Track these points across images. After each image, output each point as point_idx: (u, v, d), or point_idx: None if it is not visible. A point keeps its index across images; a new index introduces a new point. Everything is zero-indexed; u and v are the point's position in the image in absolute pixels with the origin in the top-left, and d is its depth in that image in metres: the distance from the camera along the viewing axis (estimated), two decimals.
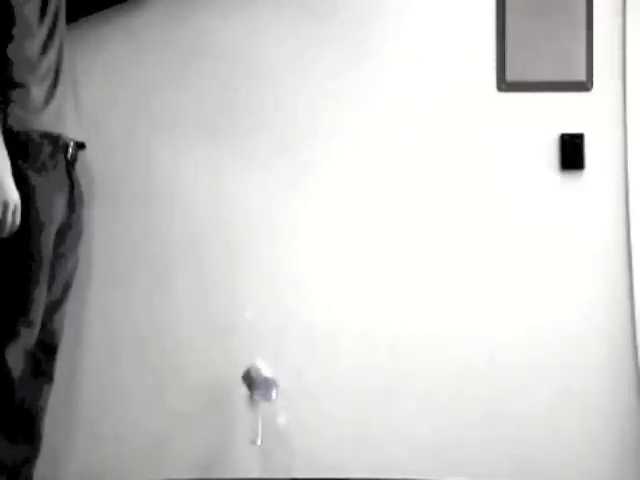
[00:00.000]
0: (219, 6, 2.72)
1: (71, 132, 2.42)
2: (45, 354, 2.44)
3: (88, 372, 2.71)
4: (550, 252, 2.71)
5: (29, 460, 2.42)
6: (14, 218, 2.18)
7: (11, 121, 2.24)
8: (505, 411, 2.69)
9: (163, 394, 2.70)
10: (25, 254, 2.28)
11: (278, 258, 2.72)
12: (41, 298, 2.32)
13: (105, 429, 2.70)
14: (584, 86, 2.71)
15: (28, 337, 2.31)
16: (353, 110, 2.72)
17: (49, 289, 2.37)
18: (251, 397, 2.64)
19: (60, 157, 2.38)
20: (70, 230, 2.45)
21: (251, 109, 2.72)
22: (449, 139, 2.72)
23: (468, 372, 2.69)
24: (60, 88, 2.38)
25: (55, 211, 2.34)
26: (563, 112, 2.71)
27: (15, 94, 2.26)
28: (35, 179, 2.28)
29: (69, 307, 2.52)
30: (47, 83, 2.35)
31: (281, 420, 2.58)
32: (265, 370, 2.66)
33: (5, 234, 2.19)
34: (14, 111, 2.26)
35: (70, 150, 2.42)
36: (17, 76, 2.27)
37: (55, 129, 2.35)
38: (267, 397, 2.63)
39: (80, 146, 2.49)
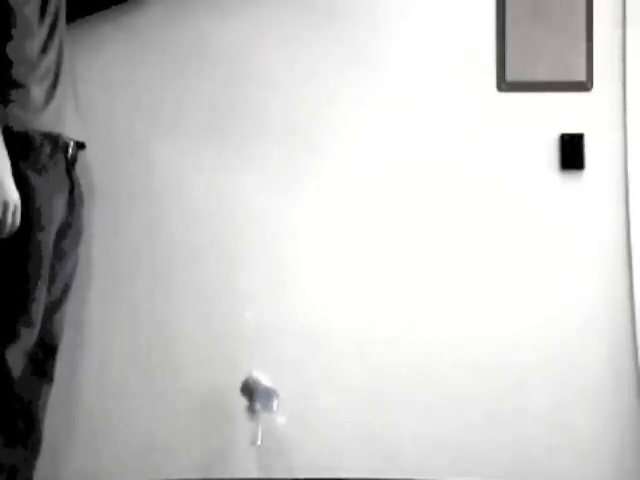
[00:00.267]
0: (219, 6, 2.72)
1: (71, 132, 2.42)
2: (45, 354, 2.44)
3: (88, 372, 2.71)
4: (550, 252, 2.71)
5: (29, 460, 2.42)
6: (14, 218, 2.18)
7: (11, 121, 2.24)
8: (505, 411, 2.69)
9: (163, 394, 2.70)
10: (25, 254, 2.27)
11: (279, 258, 2.72)
12: (41, 298, 2.32)
13: (105, 429, 2.70)
14: (584, 86, 2.71)
15: (28, 337, 2.31)
16: (353, 110, 2.72)
17: (49, 289, 2.37)
18: (251, 408, 2.62)
19: (60, 157, 2.38)
20: (70, 230, 2.44)
21: (251, 109, 2.72)
22: (449, 139, 2.72)
23: (468, 372, 2.69)
24: (60, 88, 2.38)
25: (55, 211, 2.34)
26: (563, 112, 2.71)
27: (15, 94, 2.26)
28: (35, 179, 2.28)
29: (69, 307, 2.52)
30: (47, 83, 2.35)
31: (281, 420, 2.58)
32: (264, 380, 2.64)
33: (5, 234, 2.19)
34: (14, 111, 2.25)
35: (70, 150, 2.42)
36: (17, 76, 2.27)
37: (55, 129, 2.35)
38: (268, 407, 2.61)
39: (80, 146, 2.49)
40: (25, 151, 2.27)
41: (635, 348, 2.68)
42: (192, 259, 2.72)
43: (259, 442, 2.59)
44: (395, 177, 2.72)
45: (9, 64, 2.26)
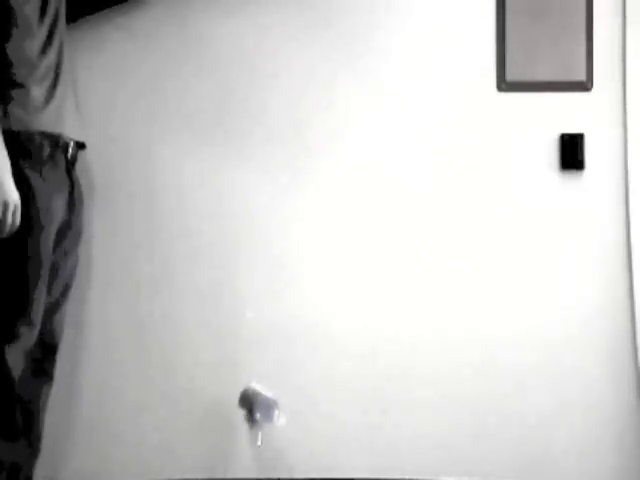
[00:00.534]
0: (219, 6, 2.72)
1: (71, 132, 2.42)
2: (45, 354, 2.44)
3: (88, 372, 2.71)
4: (550, 252, 2.71)
5: (29, 460, 2.42)
6: (14, 218, 2.18)
7: (11, 121, 2.24)
8: (505, 411, 2.69)
9: (163, 393, 2.70)
10: (25, 254, 2.28)
11: (279, 259, 2.72)
12: (41, 298, 2.32)
13: (105, 429, 2.70)
14: (584, 86, 2.71)
15: (28, 337, 2.31)
16: (353, 110, 2.72)
17: (49, 289, 2.37)
18: (251, 419, 2.59)
19: (60, 157, 2.38)
20: (70, 230, 2.45)
21: (251, 109, 2.72)
22: (449, 139, 2.72)
23: (468, 372, 2.69)
24: (60, 88, 2.38)
25: (55, 211, 2.34)
26: (563, 112, 2.71)
27: (15, 94, 2.27)
28: (35, 179, 2.28)
29: (69, 307, 2.52)
30: (47, 83, 2.35)
31: (281, 420, 2.58)
32: (264, 390, 2.61)
33: (5, 234, 2.19)
34: (14, 111, 2.26)
35: (70, 150, 2.42)
36: (17, 76, 2.27)
37: (55, 129, 2.35)
38: (269, 418, 2.58)
39: (80, 146, 2.50)
40: (25, 151, 2.27)
41: (635, 348, 2.68)
42: (192, 259, 2.72)
43: (259, 442, 2.59)
44: (395, 177, 2.72)
45: (9, 64, 2.26)
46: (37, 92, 2.30)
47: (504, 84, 2.72)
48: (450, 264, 2.71)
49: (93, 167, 2.69)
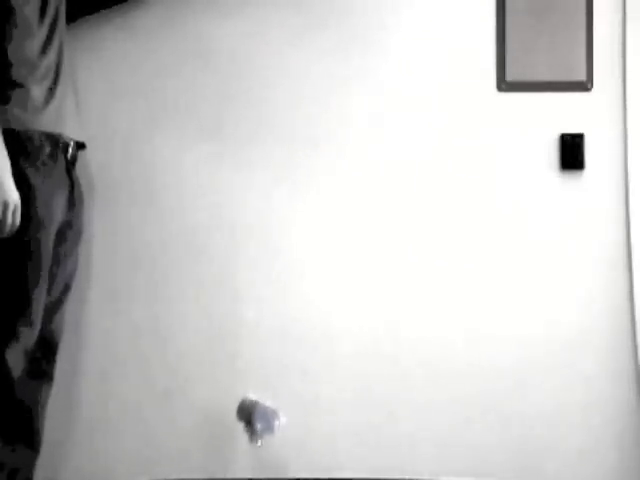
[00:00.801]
0: (219, 6, 2.72)
1: (71, 132, 2.42)
2: (45, 354, 2.44)
3: (88, 372, 2.71)
4: (550, 252, 2.71)
5: (29, 460, 2.42)
6: (14, 218, 2.18)
7: (11, 121, 2.24)
8: (505, 411, 2.69)
9: (163, 394, 2.70)
10: (25, 254, 2.27)
11: (279, 259, 2.72)
12: (41, 298, 2.32)
13: (105, 429, 2.70)
14: (584, 86, 2.71)
15: (28, 337, 2.31)
16: (353, 111, 2.72)
17: (49, 289, 2.37)
18: (251, 431, 2.54)
19: (60, 157, 2.38)
20: (70, 230, 2.45)
21: (251, 109, 2.72)
22: (449, 139, 2.72)
23: (468, 372, 2.69)
24: (60, 88, 2.38)
25: (55, 211, 2.34)
26: (563, 112, 2.71)
27: (15, 94, 2.26)
28: (35, 179, 2.28)
29: (69, 307, 2.52)
30: (47, 83, 2.35)
31: (281, 420, 2.58)
32: (264, 399, 2.57)
33: (5, 234, 2.19)
34: (14, 111, 2.25)
35: (70, 150, 2.42)
36: (17, 76, 2.27)
37: (55, 129, 2.35)
38: (269, 429, 2.54)
39: (80, 146, 2.50)
40: (25, 151, 2.27)
41: (635, 348, 2.68)
42: (192, 259, 2.72)
43: (259, 443, 2.58)
44: (395, 177, 2.72)
45: (9, 64, 2.26)
46: (37, 92, 2.30)
47: (504, 84, 2.72)
48: (450, 264, 2.71)
49: (93, 167, 2.69)
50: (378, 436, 2.70)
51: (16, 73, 2.27)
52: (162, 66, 2.72)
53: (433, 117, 2.72)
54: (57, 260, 2.40)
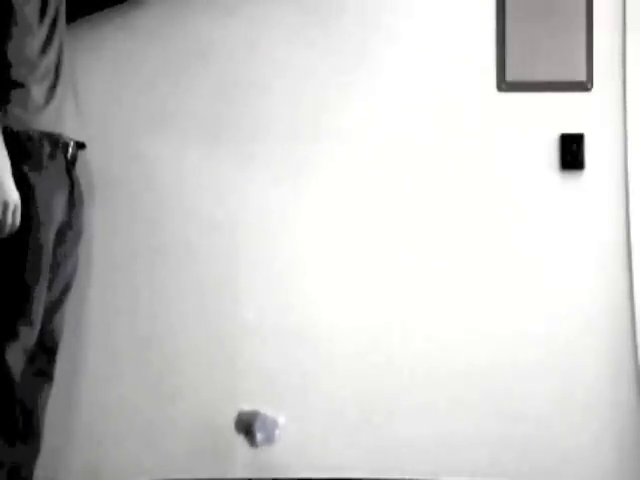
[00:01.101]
0: (219, 6, 2.72)
1: (71, 132, 2.42)
2: (45, 354, 2.44)
3: (88, 372, 2.71)
4: (550, 252, 2.71)
5: (29, 460, 2.42)
6: (14, 218, 2.18)
7: (11, 121, 2.24)
8: (505, 411, 2.69)
9: (163, 394, 2.70)
10: (25, 254, 2.27)
11: (280, 258, 2.72)
12: (41, 298, 2.32)
13: (105, 429, 2.70)
14: (584, 86, 2.71)
15: (28, 337, 2.31)
16: (353, 110, 2.73)
17: (49, 289, 2.37)
18: (251, 442, 2.52)
19: (60, 157, 2.38)
20: (70, 230, 2.44)
21: (252, 109, 2.72)
22: (449, 139, 2.72)
23: (468, 372, 2.69)
24: (60, 88, 2.38)
25: (55, 211, 2.34)
26: (563, 112, 2.71)
27: (15, 94, 2.26)
28: (35, 179, 2.28)
29: (69, 307, 2.52)
30: (47, 83, 2.35)
31: (281, 420, 2.58)
32: (264, 409, 2.55)
33: (5, 234, 2.19)
34: (14, 111, 2.25)
35: (70, 150, 2.42)
36: (17, 76, 2.27)
37: (55, 129, 2.35)
38: (270, 440, 2.52)
39: (80, 146, 2.49)
40: (25, 151, 2.26)
41: (635, 347, 2.68)
42: (192, 259, 2.72)
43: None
44: (396, 177, 2.72)
45: (9, 64, 2.26)
46: (37, 92, 2.30)
47: (504, 84, 2.72)
48: (450, 264, 2.71)
49: (93, 167, 2.69)
50: (378, 436, 2.70)
51: (16, 73, 2.27)
52: (162, 66, 2.72)
53: (433, 117, 2.72)
54: (57, 260, 2.40)
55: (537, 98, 2.72)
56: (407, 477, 2.69)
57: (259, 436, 2.52)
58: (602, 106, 2.71)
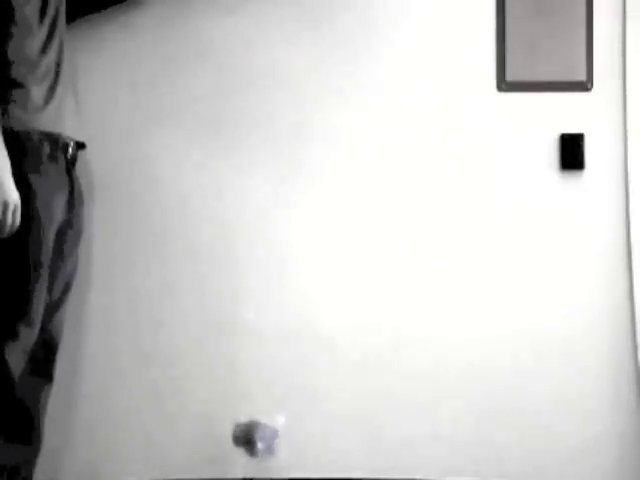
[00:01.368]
0: (219, 6, 2.72)
1: (71, 132, 2.42)
2: (45, 354, 2.44)
3: (88, 372, 2.71)
4: (550, 252, 2.71)
5: (29, 460, 2.42)
6: (14, 218, 2.18)
7: (11, 121, 2.24)
8: (505, 411, 2.69)
9: (163, 393, 2.70)
10: (25, 254, 2.27)
11: (280, 258, 2.72)
12: (41, 298, 2.32)
13: (105, 429, 2.70)
14: (584, 86, 2.71)
15: (28, 337, 2.31)
16: (353, 111, 2.72)
17: (49, 289, 2.37)
18: (251, 452, 2.51)
19: (60, 157, 2.38)
20: (70, 230, 2.45)
21: (252, 109, 2.72)
22: (449, 139, 2.72)
23: (468, 373, 2.69)
24: (60, 88, 2.38)
25: (55, 211, 2.34)
26: (563, 112, 2.71)
27: (15, 94, 2.26)
28: (35, 179, 2.28)
29: (69, 307, 2.52)
30: (47, 83, 2.35)
31: (281, 420, 2.58)
32: (264, 419, 2.53)
33: (5, 234, 2.19)
34: (14, 111, 2.25)
35: (70, 150, 2.42)
36: (17, 76, 2.27)
37: (55, 129, 2.35)
38: (270, 450, 2.50)
39: (80, 146, 2.49)
40: (25, 151, 2.26)
41: (635, 348, 2.68)
42: (193, 259, 2.72)
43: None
44: (395, 177, 2.72)
45: (9, 64, 2.26)
46: (37, 92, 2.30)
47: (504, 84, 2.72)
48: (450, 264, 2.71)
49: (93, 167, 2.69)
50: (378, 436, 2.70)
51: (16, 73, 2.27)
52: (162, 66, 2.72)
53: (433, 117, 2.72)
54: (57, 260, 2.40)
55: (537, 98, 2.72)
56: (407, 477, 2.69)
57: (260, 445, 2.50)
58: (602, 106, 2.71)
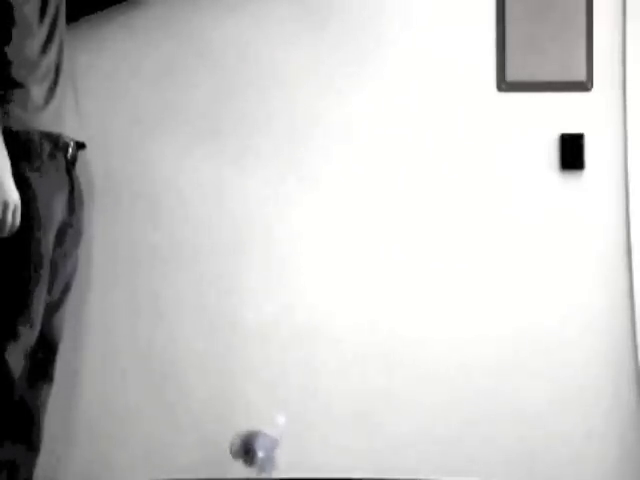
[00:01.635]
0: (219, 6, 2.72)
1: (71, 132, 2.42)
2: (45, 354, 2.44)
3: (88, 372, 2.71)
4: (550, 252, 2.71)
5: (29, 460, 2.42)
6: (14, 218, 2.18)
7: (11, 121, 2.24)
8: (505, 411, 2.69)
9: (163, 393, 2.70)
10: (25, 254, 2.27)
11: (280, 258, 2.72)
12: (41, 298, 2.32)
13: (105, 429, 2.70)
14: (584, 86, 2.71)
15: (28, 337, 2.31)
16: (353, 110, 2.72)
17: (49, 289, 2.37)
18: (250, 463, 2.47)
19: (60, 157, 2.38)
20: (70, 230, 2.44)
21: (252, 109, 2.72)
22: (449, 139, 2.72)
23: (468, 372, 2.69)
24: (60, 88, 2.38)
25: (55, 211, 2.34)
26: (563, 112, 2.71)
27: (15, 94, 2.26)
28: (35, 179, 2.28)
29: (69, 307, 2.52)
30: (47, 83, 2.35)
31: (281, 420, 2.58)
32: (263, 429, 2.49)
33: (5, 234, 2.19)
34: (14, 111, 2.25)
35: (70, 150, 2.42)
36: (17, 76, 2.27)
37: (55, 129, 2.35)
38: (271, 461, 2.45)
39: (80, 146, 2.49)
40: (25, 151, 2.26)
41: (635, 347, 2.68)
42: (192, 258, 2.72)
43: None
44: (395, 177, 2.72)
45: (9, 64, 2.26)
46: (37, 92, 2.30)
47: (504, 84, 2.72)
48: (450, 264, 2.71)
49: (93, 167, 2.69)
50: (378, 436, 2.70)
51: (16, 73, 2.27)
52: (162, 66, 2.72)
53: (433, 117, 2.72)
54: (57, 260, 2.40)
55: (537, 98, 2.72)
56: (407, 477, 2.69)
57: (260, 455, 2.46)
58: (602, 106, 2.71)
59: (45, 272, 2.32)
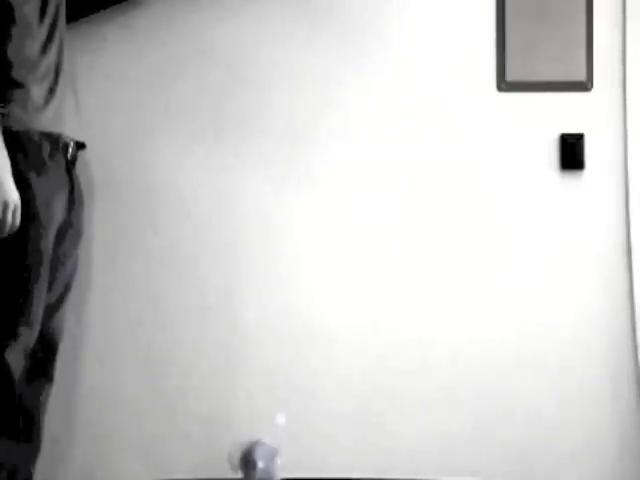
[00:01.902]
0: (219, 6, 2.72)
1: (71, 132, 2.42)
2: (45, 354, 2.44)
3: (88, 373, 2.71)
4: (550, 252, 2.71)
5: (29, 460, 2.42)
6: (14, 218, 2.18)
7: (11, 121, 2.23)
8: (505, 411, 2.69)
9: (163, 393, 2.70)
10: (25, 254, 2.27)
11: (279, 257, 2.72)
12: (41, 298, 2.31)
13: (105, 429, 2.70)
14: (584, 86, 2.71)
15: (28, 337, 2.30)
16: (352, 110, 2.73)
17: (49, 289, 2.37)
18: (250, 475, 2.45)
19: (60, 157, 2.38)
20: (70, 230, 2.44)
21: (251, 108, 2.72)
22: (449, 139, 2.72)
23: (468, 372, 2.69)
24: (60, 88, 2.38)
25: (55, 211, 2.34)
26: (563, 112, 2.71)
27: (15, 94, 2.26)
28: (35, 179, 2.28)
29: (69, 307, 2.52)
30: (47, 83, 2.35)
31: (281, 420, 2.58)
32: (263, 439, 2.47)
33: (5, 234, 2.19)
34: (14, 111, 2.25)
35: (70, 150, 2.42)
36: (17, 76, 2.27)
37: (55, 129, 2.35)
38: (270, 472, 2.43)
39: (80, 146, 2.49)
40: (25, 151, 2.26)
41: (635, 347, 2.68)
42: (193, 259, 2.72)
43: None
44: (395, 177, 2.72)
45: (9, 64, 2.26)
46: (37, 92, 2.30)
47: (504, 84, 2.72)
48: (450, 264, 2.71)
49: (93, 167, 2.69)
50: (378, 435, 2.70)
51: (16, 73, 2.27)
52: (162, 65, 2.72)
53: (433, 117, 2.72)
54: (57, 260, 2.39)
55: (537, 98, 2.72)
56: (407, 477, 2.69)
57: (260, 465, 2.45)
58: (602, 106, 2.71)
59: (45, 272, 2.31)
